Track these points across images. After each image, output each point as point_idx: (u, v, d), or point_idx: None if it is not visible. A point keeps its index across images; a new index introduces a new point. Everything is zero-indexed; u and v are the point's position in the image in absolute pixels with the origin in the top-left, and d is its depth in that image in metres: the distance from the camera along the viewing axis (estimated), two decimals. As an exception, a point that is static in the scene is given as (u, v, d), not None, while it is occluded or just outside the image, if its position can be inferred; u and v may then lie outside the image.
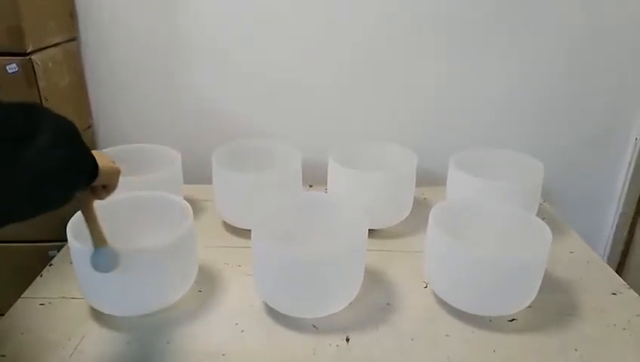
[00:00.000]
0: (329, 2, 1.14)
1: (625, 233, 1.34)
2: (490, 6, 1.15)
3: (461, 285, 0.79)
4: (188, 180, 1.11)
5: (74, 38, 1.16)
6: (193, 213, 0.81)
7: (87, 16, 1.16)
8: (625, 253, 1.37)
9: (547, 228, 0.79)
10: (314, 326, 0.78)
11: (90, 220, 0.68)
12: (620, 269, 1.36)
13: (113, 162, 0.68)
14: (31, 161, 0.47)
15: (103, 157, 0.64)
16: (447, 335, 0.77)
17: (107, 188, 0.68)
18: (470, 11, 1.15)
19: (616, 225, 1.36)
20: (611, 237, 1.38)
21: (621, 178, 1.33)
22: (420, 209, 1.09)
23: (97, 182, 0.62)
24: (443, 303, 0.83)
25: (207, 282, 0.89)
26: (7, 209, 0.47)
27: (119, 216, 0.86)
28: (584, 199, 1.35)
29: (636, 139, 1.27)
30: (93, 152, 0.61)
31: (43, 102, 0.99)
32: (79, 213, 0.79)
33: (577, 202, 1.34)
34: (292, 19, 1.16)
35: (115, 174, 0.67)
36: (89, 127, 1.24)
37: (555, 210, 1.17)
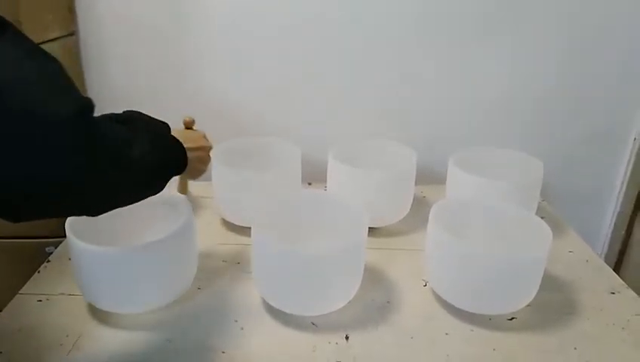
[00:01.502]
0: (330, 1, 1.14)
1: (623, 232, 1.35)
2: (490, 5, 1.14)
3: (461, 283, 0.79)
4: (187, 177, 1.11)
5: (72, 33, 1.15)
6: (192, 210, 0.81)
7: (87, 11, 1.15)
8: (622, 252, 1.37)
9: (547, 227, 0.79)
10: (313, 324, 0.78)
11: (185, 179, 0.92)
12: (617, 268, 1.37)
13: (204, 137, 0.84)
14: (133, 163, 0.56)
15: (192, 137, 0.78)
16: (446, 334, 0.77)
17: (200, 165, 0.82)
18: (470, 10, 1.15)
19: (614, 224, 1.36)
20: (609, 236, 1.38)
21: (619, 177, 1.33)
22: (420, 207, 1.09)
23: (187, 170, 0.74)
24: (442, 301, 0.83)
25: (207, 280, 0.88)
26: (114, 200, 0.57)
27: (118, 212, 0.85)
28: (582, 198, 1.35)
29: (635, 138, 1.27)
30: (184, 134, 0.74)
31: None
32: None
33: (575, 201, 1.34)
34: (293, 18, 1.16)
35: (200, 161, 0.81)
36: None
37: (553, 208, 1.17)
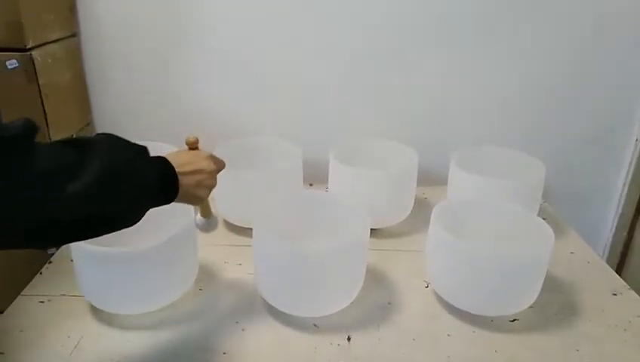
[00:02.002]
0: (330, 1, 1.14)
1: (624, 234, 1.34)
2: (491, 5, 1.14)
3: (462, 285, 0.79)
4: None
5: (74, 34, 1.15)
6: (193, 211, 0.81)
7: (88, 12, 1.15)
8: (624, 254, 1.37)
9: (549, 228, 0.79)
10: (315, 326, 0.78)
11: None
12: (619, 270, 1.36)
13: (208, 158, 0.68)
14: (72, 195, 0.47)
15: (190, 160, 0.65)
16: (448, 335, 0.77)
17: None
18: (471, 10, 1.15)
19: (616, 226, 1.36)
20: (611, 237, 1.38)
21: (621, 178, 1.33)
22: (421, 208, 1.09)
23: (180, 197, 0.63)
24: (444, 303, 0.83)
25: (208, 280, 0.88)
26: (52, 234, 0.49)
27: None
28: (584, 199, 1.35)
29: (636, 140, 1.27)
30: (181, 157, 0.64)
31: (43, 98, 0.98)
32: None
33: (577, 202, 1.34)
34: (293, 18, 1.16)
35: (199, 186, 0.66)
36: (88, 124, 1.23)
37: (554, 210, 1.17)
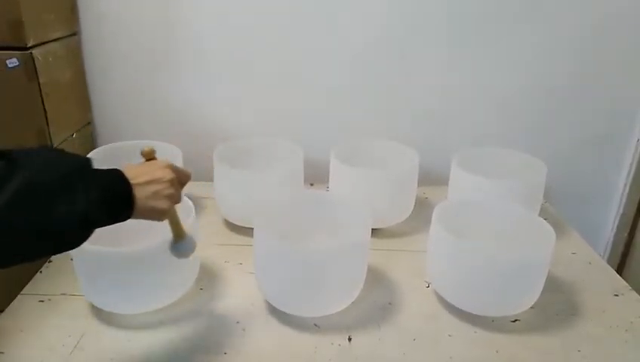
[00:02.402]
0: (330, 1, 1.14)
1: (625, 234, 1.34)
2: (492, 5, 1.14)
3: (464, 285, 0.78)
4: (188, 177, 1.10)
5: (75, 33, 1.15)
6: (194, 210, 0.81)
7: (89, 11, 1.15)
8: (625, 254, 1.36)
9: (550, 229, 0.79)
10: (316, 326, 0.78)
11: (170, 217, 0.68)
12: (619, 270, 1.36)
13: (165, 168, 0.62)
14: None
15: (144, 170, 0.60)
16: (449, 336, 0.77)
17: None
18: (471, 10, 1.15)
19: (617, 226, 1.36)
20: (612, 238, 1.38)
21: (622, 179, 1.32)
22: (422, 208, 1.09)
23: (137, 211, 0.58)
24: (445, 303, 0.83)
25: (209, 280, 0.88)
26: None
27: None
28: (585, 199, 1.35)
29: (638, 140, 1.27)
30: (135, 169, 0.59)
31: (43, 97, 0.98)
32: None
33: (578, 203, 1.33)
34: (293, 18, 1.16)
35: (156, 196, 0.60)
36: (89, 123, 1.23)
37: (555, 210, 1.17)
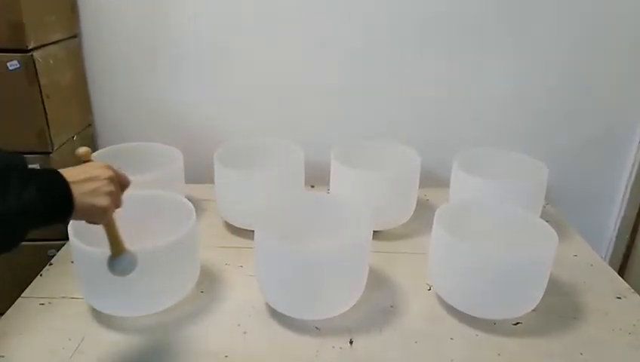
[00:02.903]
0: (330, 1, 1.14)
1: (627, 236, 1.34)
2: (492, 6, 1.14)
3: (465, 287, 0.78)
4: (189, 179, 1.10)
5: (75, 35, 1.15)
6: (195, 212, 0.81)
7: (89, 13, 1.15)
8: (627, 256, 1.36)
9: (552, 231, 0.79)
10: (317, 328, 0.78)
11: (108, 227, 0.65)
12: (621, 272, 1.36)
13: (102, 167, 0.61)
14: None
15: (81, 169, 0.59)
16: (451, 339, 0.77)
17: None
18: (472, 11, 1.14)
19: (619, 228, 1.35)
20: (613, 239, 1.37)
21: (624, 180, 1.32)
22: (423, 210, 1.09)
23: (77, 211, 0.56)
24: (447, 306, 0.83)
25: (209, 283, 0.88)
26: None
27: (120, 215, 0.85)
28: (586, 201, 1.34)
29: (639, 141, 1.27)
30: (72, 170, 0.57)
31: (44, 99, 0.98)
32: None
33: (579, 204, 1.33)
34: (293, 19, 1.15)
35: (94, 194, 0.58)
36: (89, 125, 1.23)
37: (556, 212, 1.17)
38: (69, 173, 0.57)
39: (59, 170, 0.56)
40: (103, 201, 0.59)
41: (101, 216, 0.61)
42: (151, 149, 1.09)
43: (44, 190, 0.53)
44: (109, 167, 0.62)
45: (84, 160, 0.64)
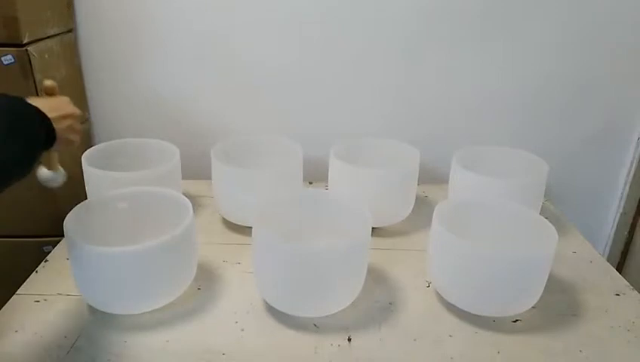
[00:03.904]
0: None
1: (625, 233, 1.34)
2: (492, 4, 1.13)
3: (464, 284, 0.78)
4: (186, 176, 1.09)
5: (71, 30, 1.14)
6: (192, 209, 0.80)
7: (85, 7, 1.14)
8: (625, 253, 1.36)
9: (552, 228, 0.78)
10: (315, 326, 0.77)
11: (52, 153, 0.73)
12: (619, 269, 1.36)
13: (69, 103, 0.69)
14: None
15: (56, 105, 0.66)
16: (450, 336, 0.76)
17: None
18: (472, 9, 1.14)
19: (617, 225, 1.35)
20: (612, 236, 1.37)
21: (622, 177, 1.32)
22: (422, 207, 1.09)
23: (57, 144, 0.65)
24: (446, 303, 0.82)
25: (207, 280, 0.87)
26: None
27: (117, 211, 0.84)
28: (585, 198, 1.34)
29: (638, 138, 1.27)
30: (45, 103, 0.63)
31: (39, 94, 0.97)
32: (76, 208, 0.77)
33: (578, 201, 1.33)
34: (293, 16, 1.15)
35: (70, 130, 0.68)
36: (86, 120, 1.22)
37: (555, 208, 1.17)
38: (46, 107, 0.62)
39: (34, 105, 0.61)
40: (74, 137, 0.69)
41: (68, 148, 0.70)
42: (148, 145, 1.08)
43: (43, 122, 0.62)
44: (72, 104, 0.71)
45: (50, 93, 0.71)
